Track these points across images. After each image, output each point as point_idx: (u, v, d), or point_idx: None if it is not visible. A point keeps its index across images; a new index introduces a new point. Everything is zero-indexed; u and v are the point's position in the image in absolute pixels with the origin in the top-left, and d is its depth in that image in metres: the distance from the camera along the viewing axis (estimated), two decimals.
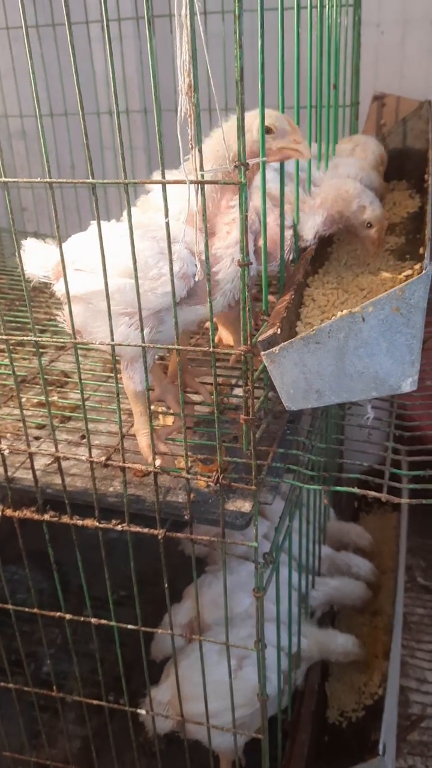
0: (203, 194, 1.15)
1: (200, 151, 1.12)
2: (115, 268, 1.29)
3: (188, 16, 1.02)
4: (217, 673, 1.84)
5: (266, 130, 1.37)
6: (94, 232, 1.24)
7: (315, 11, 1.72)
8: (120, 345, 1.35)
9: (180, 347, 1.30)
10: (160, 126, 1.11)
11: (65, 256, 1.28)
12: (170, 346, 1.34)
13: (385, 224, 1.72)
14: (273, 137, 1.38)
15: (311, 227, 1.70)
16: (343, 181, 1.74)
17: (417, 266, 1.64)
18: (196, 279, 1.39)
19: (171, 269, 1.20)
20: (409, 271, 1.63)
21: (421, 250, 1.59)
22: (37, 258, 1.57)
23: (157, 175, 1.16)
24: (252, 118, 1.37)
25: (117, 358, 1.41)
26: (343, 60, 2.27)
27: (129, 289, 1.26)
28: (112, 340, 1.31)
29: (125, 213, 1.21)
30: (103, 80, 3.15)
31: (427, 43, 3.41)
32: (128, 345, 1.39)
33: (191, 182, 1.15)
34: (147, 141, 3.46)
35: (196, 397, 1.88)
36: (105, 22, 1.08)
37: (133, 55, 3.33)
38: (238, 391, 1.90)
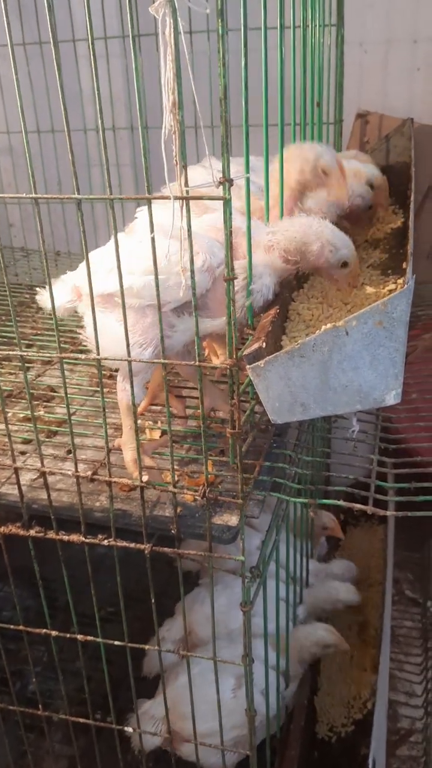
0: (188, 210, 1.16)
1: (184, 167, 1.13)
2: (139, 268, 1.39)
3: (172, 35, 1.03)
4: (212, 692, 1.82)
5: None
6: (111, 244, 1.26)
7: (298, 30, 1.76)
8: (107, 359, 1.35)
9: (166, 361, 1.30)
10: (145, 142, 1.13)
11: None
12: (156, 361, 1.34)
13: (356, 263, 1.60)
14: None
15: (260, 291, 1.54)
16: (307, 224, 1.57)
17: (400, 281, 1.66)
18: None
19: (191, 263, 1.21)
20: (393, 286, 1.65)
21: (404, 265, 1.61)
22: (57, 291, 1.63)
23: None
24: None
25: (112, 371, 1.42)
26: (327, 78, 2.30)
27: (152, 285, 1.27)
28: (98, 354, 1.32)
29: (131, 224, 1.23)
30: (90, 97, 3.18)
31: (410, 62, 3.46)
32: (114, 359, 1.39)
33: (176, 198, 1.16)
34: (133, 158, 3.48)
35: (182, 411, 1.88)
36: (91, 40, 1.09)
37: (120, 72, 3.36)
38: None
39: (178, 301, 1.45)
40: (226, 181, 1.12)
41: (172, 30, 1.03)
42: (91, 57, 1.10)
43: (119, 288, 1.26)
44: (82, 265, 1.42)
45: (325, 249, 1.52)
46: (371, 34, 3.43)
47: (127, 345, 1.30)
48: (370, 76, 3.50)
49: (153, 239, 1.18)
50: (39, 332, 2.49)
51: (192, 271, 1.18)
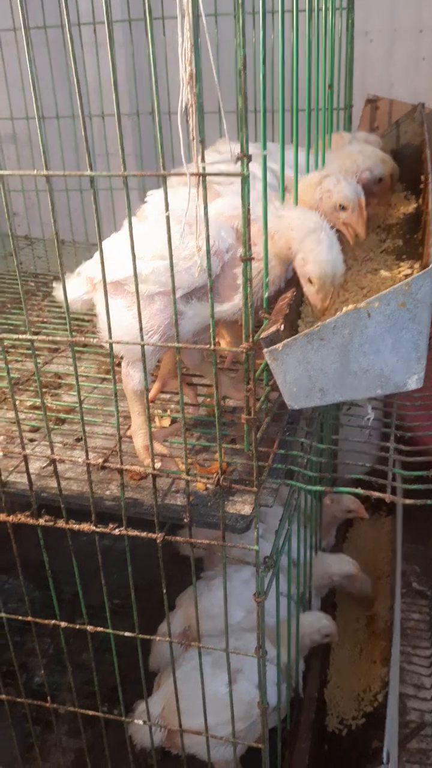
0: (204, 186, 1.12)
1: (201, 142, 1.09)
2: (148, 253, 1.37)
3: (190, 5, 1.00)
4: (211, 686, 1.79)
5: (341, 207, 1.64)
6: (123, 231, 1.23)
7: (313, 14, 1.72)
8: (119, 343, 1.32)
9: (180, 345, 1.27)
10: (159, 117, 1.09)
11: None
12: (170, 344, 1.30)
13: (329, 288, 1.43)
14: (345, 213, 1.62)
15: (272, 281, 1.49)
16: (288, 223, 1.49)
17: (416, 265, 1.62)
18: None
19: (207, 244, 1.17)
20: (408, 270, 1.62)
21: (420, 249, 1.57)
22: (69, 284, 1.60)
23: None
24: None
25: (117, 358, 1.39)
26: (338, 63, 2.26)
27: (163, 270, 1.24)
28: (110, 337, 1.28)
29: (142, 207, 1.19)
30: (94, 84, 3.14)
31: (416, 52, 3.43)
32: (127, 343, 1.36)
33: (191, 174, 1.13)
34: (139, 146, 3.44)
35: (193, 399, 1.85)
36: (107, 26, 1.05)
37: (123, 59, 3.31)
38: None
39: (189, 287, 1.42)
40: (245, 157, 1.09)
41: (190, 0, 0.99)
42: (108, 40, 1.05)
43: (128, 274, 1.24)
44: (96, 256, 1.39)
45: (299, 258, 1.45)
46: (377, 23, 3.39)
47: (140, 329, 1.27)
48: (375, 66, 3.46)
49: (168, 218, 1.15)
50: (45, 320, 2.45)
51: (208, 251, 1.14)
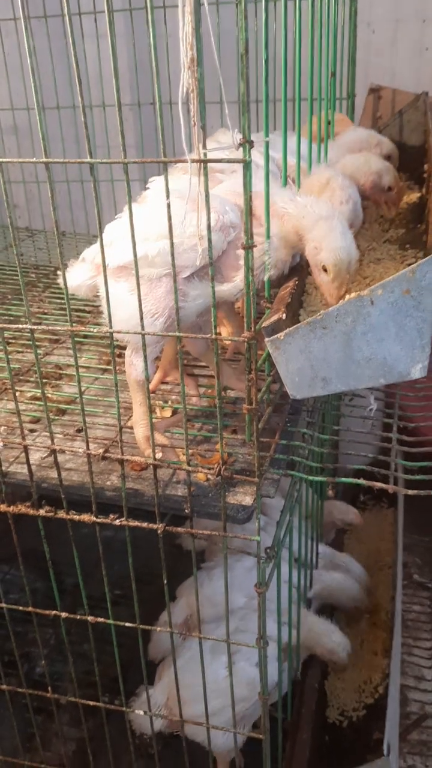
0: (206, 173, 1.11)
1: (203, 128, 1.08)
2: (153, 234, 1.35)
3: None
4: (210, 672, 1.80)
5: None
6: (125, 215, 1.22)
7: (315, 2, 1.71)
8: (119, 332, 1.31)
9: (181, 334, 1.26)
10: (160, 104, 1.08)
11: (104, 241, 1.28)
12: (171, 333, 1.29)
13: (344, 275, 1.40)
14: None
15: (275, 265, 1.48)
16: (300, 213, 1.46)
17: (420, 254, 1.61)
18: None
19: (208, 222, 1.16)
20: (412, 260, 1.61)
21: (424, 238, 1.56)
22: (74, 270, 1.61)
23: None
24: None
25: (120, 346, 1.37)
26: (340, 51, 2.24)
27: (169, 251, 1.20)
28: (111, 327, 1.28)
29: (144, 193, 1.18)
30: (95, 74, 3.12)
31: (419, 42, 3.41)
32: (127, 333, 1.35)
33: (193, 161, 1.12)
34: (140, 138, 3.42)
35: (194, 390, 1.84)
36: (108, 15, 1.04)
37: (124, 49, 3.29)
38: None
39: (195, 265, 1.40)
40: (246, 143, 1.08)
41: None
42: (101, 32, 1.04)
43: (132, 257, 1.22)
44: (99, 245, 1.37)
45: (311, 247, 1.43)
46: (379, 13, 3.37)
47: (141, 319, 1.26)
48: (378, 56, 3.44)
49: (169, 205, 1.14)
50: (46, 312, 2.45)
51: (209, 233, 1.13)
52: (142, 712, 1.89)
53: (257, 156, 1.45)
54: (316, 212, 1.41)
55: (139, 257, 1.25)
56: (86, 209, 3.23)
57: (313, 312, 1.39)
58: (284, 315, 1.22)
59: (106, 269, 1.26)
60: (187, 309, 1.46)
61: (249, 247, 1.15)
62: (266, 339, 1.24)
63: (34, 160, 1.21)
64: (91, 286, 1.60)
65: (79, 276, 1.60)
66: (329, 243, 1.39)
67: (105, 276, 1.25)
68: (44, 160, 1.17)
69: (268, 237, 1.42)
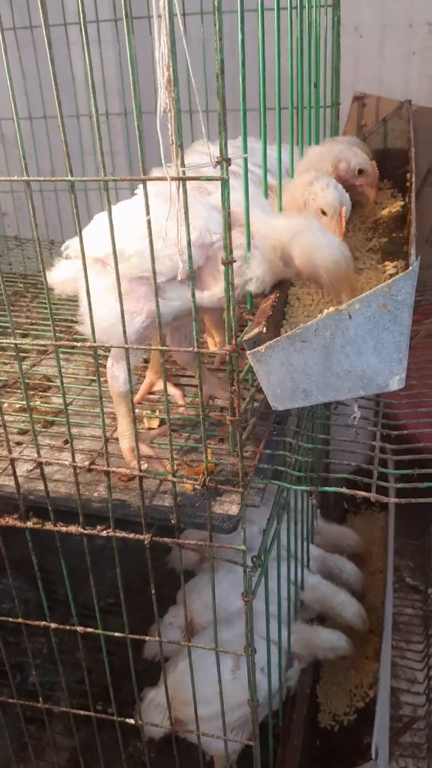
0: (185, 191, 1.12)
1: (180, 146, 1.09)
2: (134, 233, 1.34)
3: (166, 7, 1.00)
4: (215, 675, 1.81)
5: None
6: (117, 207, 1.22)
7: (295, 12, 1.72)
8: (102, 346, 1.32)
9: (164, 348, 1.27)
10: (140, 121, 1.09)
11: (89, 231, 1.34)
12: (154, 347, 1.31)
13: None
14: (325, 219, 1.66)
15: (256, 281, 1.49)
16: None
17: (401, 265, 1.63)
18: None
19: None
20: (393, 270, 1.62)
21: (405, 248, 1.58)
22: (60, 266, 1.62)
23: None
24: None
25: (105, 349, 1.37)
26: (323, 61, 2.26)
27: (148, 254, 1.20)
28: (95, 341, 1.29)
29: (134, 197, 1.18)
30: (83, 83, 3.13)
31: (406, 47, 3.43)
32: (111, 346, 1.36)
33: (172, 179, 1.13)
34: (128, 145, 3.44)
35: (181, 400, 1.85)
36: (83, 25, 1.05)
37: (113, 58, 3.30)
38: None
39: (170, 273, 1.41)
40: (224, 161, 1.09)
41: (166, 1, 0.99)
42: (84, 42, 1.05)
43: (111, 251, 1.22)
44: (85, 232, 1.37)
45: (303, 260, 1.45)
46: (366, 18, 3.39)
47: (124, 333, 1.27)
48: (365, 61, 3.46)
49: (149, 221, 1.15)
50: (34, 322, 2.45)
51: (189, 255, 1.14)
52: (133, 722, 1.89)
53: (237, 169, 1.47)
54: (292, 228, 1.44)
55: (117, 250, 1.24)
56: (74, 217, 3.24)
57: (295, 324, 1.40)
58: (265, 328, 1.24)
59: (86, 260, 1.26)
60: (165, 306, 1.46)
61: (229, 263, 1.16)
62: (248, 352, 1.26)
63: (15, 178, 1.22)
64: (78, 281, 1.60)
65: (64, 271, 1.61)
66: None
67: (84, 267, 1.25)
68: (25, 178, 1.18)
69: (249, 250, 1.44)
